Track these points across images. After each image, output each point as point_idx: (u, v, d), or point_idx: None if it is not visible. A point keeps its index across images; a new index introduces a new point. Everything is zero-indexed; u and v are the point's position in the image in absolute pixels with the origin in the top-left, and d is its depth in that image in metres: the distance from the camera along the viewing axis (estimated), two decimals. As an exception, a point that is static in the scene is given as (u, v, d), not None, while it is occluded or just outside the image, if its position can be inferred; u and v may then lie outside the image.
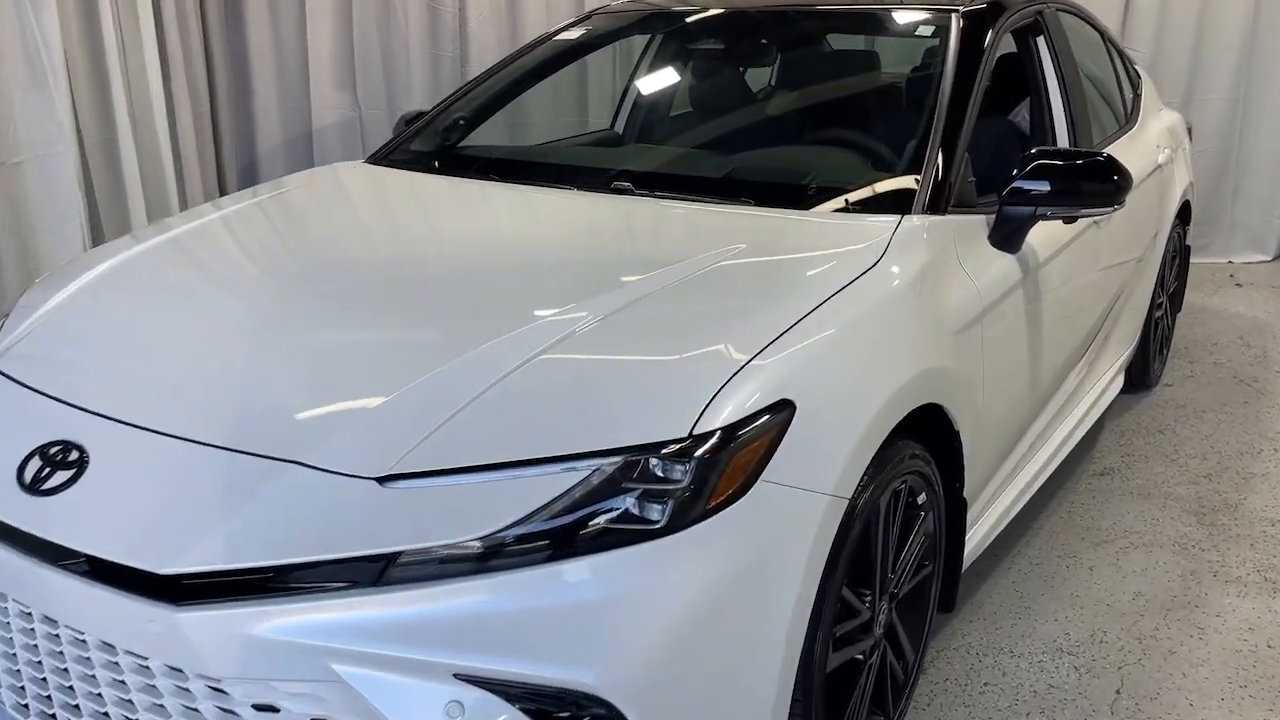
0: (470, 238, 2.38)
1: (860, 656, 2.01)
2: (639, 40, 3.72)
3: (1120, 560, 3.05)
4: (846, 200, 2.38)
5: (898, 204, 2.33)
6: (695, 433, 1.57)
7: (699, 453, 1.56)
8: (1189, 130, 4.62)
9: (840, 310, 1.90)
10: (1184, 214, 4.32)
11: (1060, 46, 3.24)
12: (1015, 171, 2.43)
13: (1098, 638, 2.68)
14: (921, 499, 2.17)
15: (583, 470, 1.52)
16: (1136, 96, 4.10)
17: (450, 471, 1.52)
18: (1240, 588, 2.91)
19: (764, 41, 3.37)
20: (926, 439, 2.13)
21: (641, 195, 2.47)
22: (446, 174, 2.77)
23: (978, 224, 2.45)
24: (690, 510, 1.54)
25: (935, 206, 2.34)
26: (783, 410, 1.66)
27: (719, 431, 1.58)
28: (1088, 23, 3.87)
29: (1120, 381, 3.81)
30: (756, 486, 1.60)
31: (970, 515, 2.41)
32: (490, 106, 3.26)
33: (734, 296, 1.95)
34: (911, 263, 2.13)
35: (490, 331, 1.81)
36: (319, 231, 2.50)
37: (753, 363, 1.69)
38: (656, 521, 1.52)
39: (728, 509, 1.57)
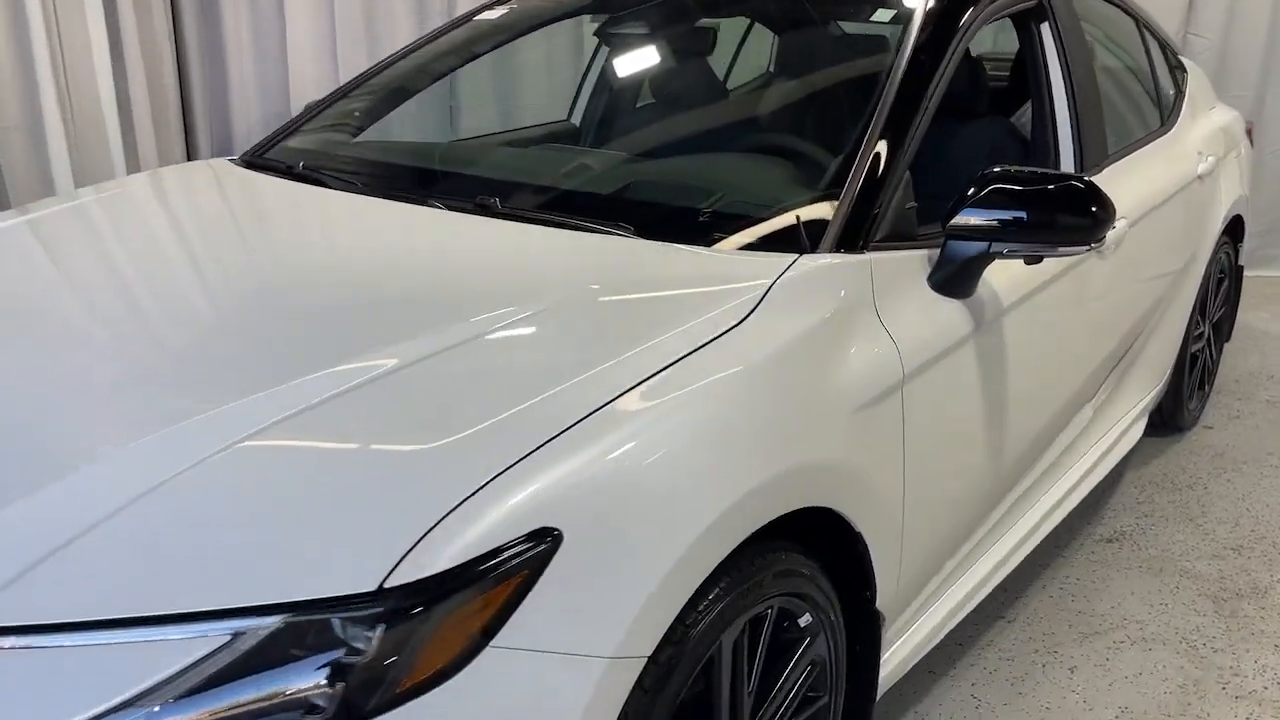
0: (279, 265, 1.94)
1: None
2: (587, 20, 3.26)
3: (1111, 660, 2.53)
4: (740, 232, 1.89)
5: (798, 238, 1.84)
6: (387, 585, 1.12)
7: (389, 610, 1.12)
8: (1249, 131, 4.00)
9: (666, 392, 1.43)
10: (1234, 230, 3.73)
11: (1069, 34, 2.70)
12: (963, 196, 1.93)
13: (1063, 770, 2.18)
14: (805, 620, 1.70)
15: (218, 635, 1.08)
16: (1179, 94, 3.51)
17: (30, 629, 1.10)
18: (1252, 707, 2.37)
19: (698, 26, 2.88)
20: (815, 542, 1.67)
21: (505, 216, 2.01)
22: (305, 180, 2.33)
23: (916, 262, 1.96)
24: (371, 696, 1.10)
25: (851, 241, 1.85)
26: (540, 542, 1.21)
27: (425, 581, 1.14)
28: (1118, 6, 3.30)
29: (1141, 427, 3.26)
30: (483, 656, 1.16)
31: (891, 630, 1.94)
32: (393, 97, 2.84)
33: (526, 370, 1.48)
34: (793, 322, 1.65)
35: (211, 398, 1.39)
36: (107, 246, 2.08)
37: (508, 473, 1.24)
38: (321, 710, 1.09)
39: (435, 691, 1.13)
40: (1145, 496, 3.31)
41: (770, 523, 1.52)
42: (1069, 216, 1.90)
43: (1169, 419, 3.62)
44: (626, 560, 1.29)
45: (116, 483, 1.22)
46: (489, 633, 1.16)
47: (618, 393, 1.39)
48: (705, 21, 3.11)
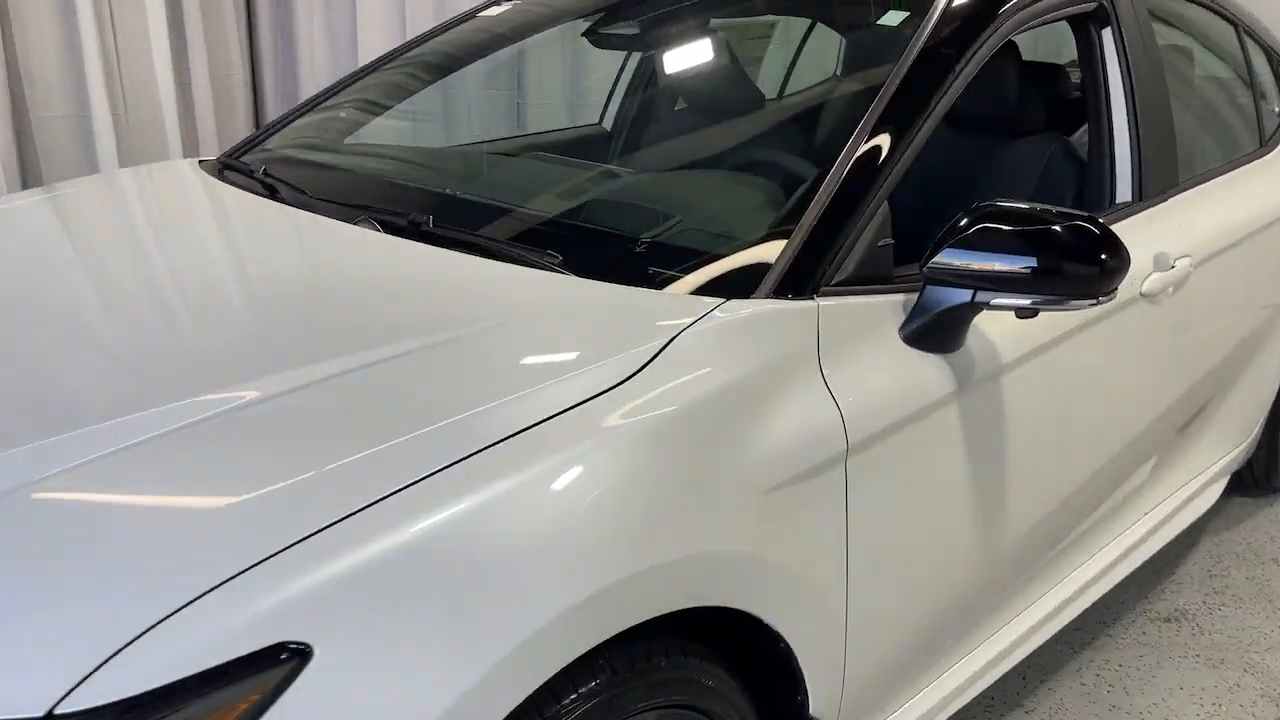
0: (172, 281, 1.76)
1: None
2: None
3: (1138, 771, 2.18)
4: (674, 269, 1.63)
5: (735, 279, 1.58)
6: (57, 712, 0.92)
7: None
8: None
9: (504, 464, 1.20)
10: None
11: (1135, 43, 2.34)
12: (946, 232, 1.63)
13: None
14: (704, 725, 1.44)
15: None
16: (1289, 109, 3.07)
17: None
18: None
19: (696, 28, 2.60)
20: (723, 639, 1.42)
21: (437, 239, 1.79)
22: (259, 188, 2.15)
23: (887, 310, 1.66)
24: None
25: (800, 284, 1.57)
26: (277, 665, 0.99)
27: (106, 709, 0.93)
28: (1214, 10, 2.88)
29: (1217, 491, 2.86)
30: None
31: None
32: (391, 95, 2.66)
33: (348, 426, 1.26)
34: (695, 380, 1.38)
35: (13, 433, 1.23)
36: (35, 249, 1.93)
37: (268, 564, 1.03)
38: None
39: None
40: (1219, 569, 2.91)
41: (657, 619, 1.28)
42: (1071, 264, 1.58)
43: (1260, 480, 3.18)
44: (406, 680, 1.06)
45: None
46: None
47: (445, 462, 1.16)
48: (737, 24, 2.85)
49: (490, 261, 1.68)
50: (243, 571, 1.02)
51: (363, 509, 1.10)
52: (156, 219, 2.11)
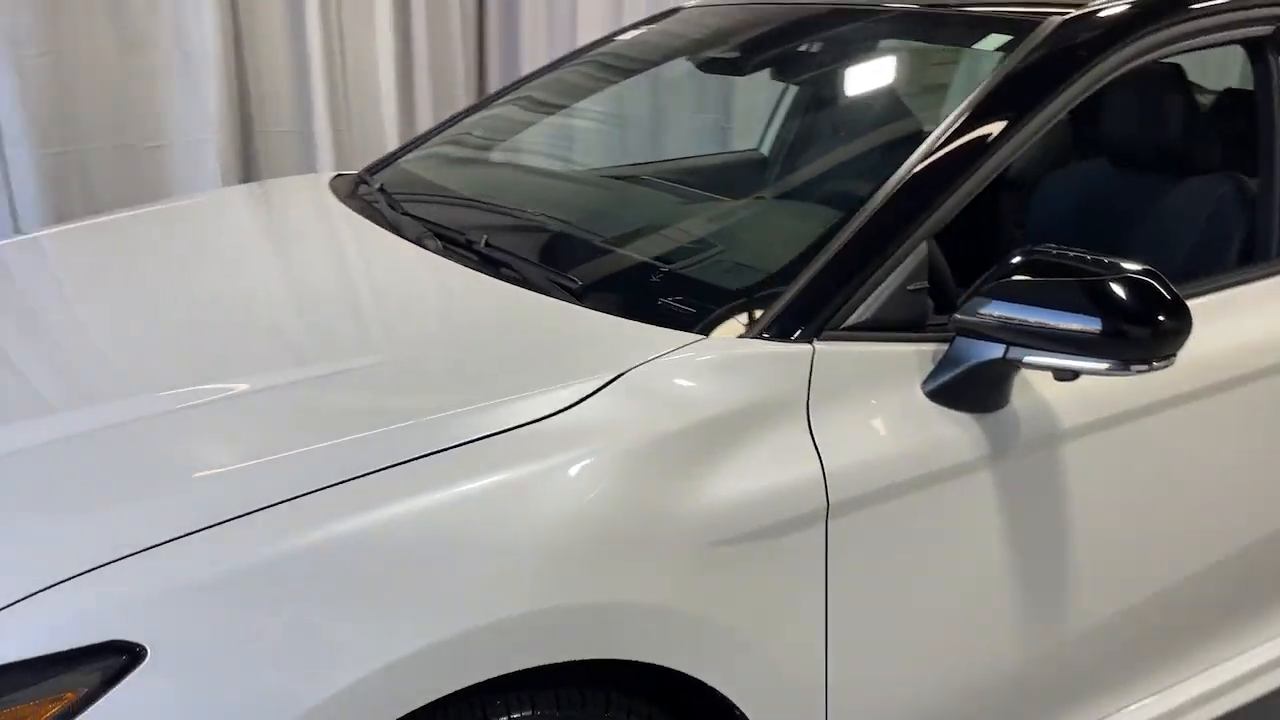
0: (244, 290, 1.85)
1: None
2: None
3: None
4: (672, 303, 1.55)
5: (727, 316, 1.49)
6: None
7: None
8: None
9: (400, 485, 1.18)
10: None
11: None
12: (982, 280, 1.47)
13: None
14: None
15: None
16: None
17: None
18: None
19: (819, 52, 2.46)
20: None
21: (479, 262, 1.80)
22: (357, 205, 2.23)
23: (911, 360, 1.51)
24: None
25: (799, 326, 1.45)
26: (110, 656, 1.03)
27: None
28: None
29: None
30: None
31: None
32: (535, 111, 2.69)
33: (264, 435, 1.27)
34: (648, 420, 1.31)
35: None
36: (115, 257, 2.09)
37: (126, 562, 1.07)
38: None
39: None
40: None
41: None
42: (1121, 323, 1.38)
43: None
44: (244, 692, 1.07)
45: None
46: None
47: (336, 479, 1.16)
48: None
49: (514, 288, 1.66)
50: (97, 568, 1.06)
51: (235, 518, 1.12)
52: (251, 231, 2.25)
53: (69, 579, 1.05)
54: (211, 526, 1.11)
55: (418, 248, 1.84)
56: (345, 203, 2.20)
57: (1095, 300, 1.39)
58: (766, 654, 1.39)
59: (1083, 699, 1.81)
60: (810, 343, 1.45)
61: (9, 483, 1.23)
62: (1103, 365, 1.41)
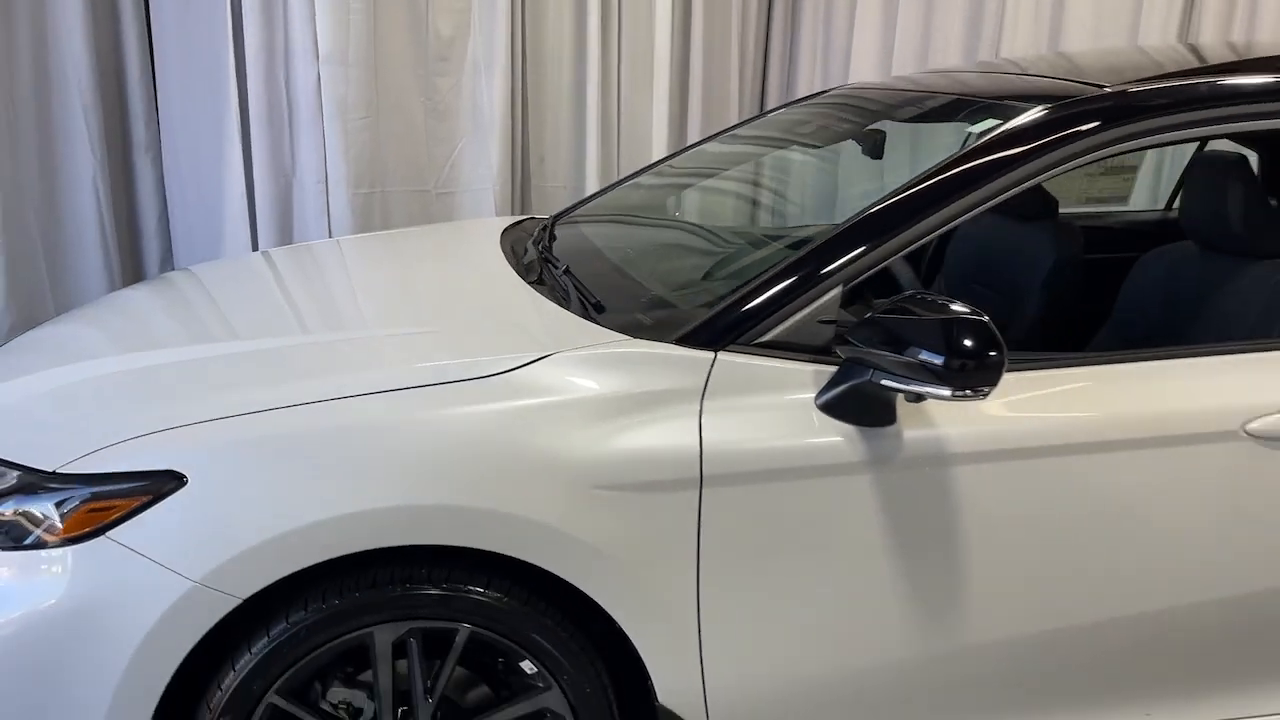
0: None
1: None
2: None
3: None
4: (626, 313, 2.05)
5: (660, 326, 1.94)
6: (60, 470, 1.70)
7: (54, 486, 1.70)
8: None
9: (387, 394, 1.78)
10: None
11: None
12: (865, 318, 1.81)
13: None
14: (530, 668, 1.83)
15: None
16: None
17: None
18: None
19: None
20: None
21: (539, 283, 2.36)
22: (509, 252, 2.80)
23: (808, 377, 1.87)
24: (28, 534, 1.69)
25: (709, 338, 1.87)
26: (167, 481, 1.68)
27: (80, 477, 1.69)
28: None
29: None
30: (100, 540, 1.67)
31: None
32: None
33: (304, 368, 1.94)
34: (563, 387, 1.81)
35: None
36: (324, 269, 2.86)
37: (203, 431, 1.73)
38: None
39: (66, 549, 1.67)
40: None
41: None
42: (956, 358, 1.67)
43: None
44: (241, 512, 1.68)
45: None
46: (109, 527, 1.67)
47: (326, 396, 1.78)
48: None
49: (543, 298, 2.20)
50: (180, 426, 1.73)
51: (280, 408, 1.76)
52: (429, 249, 2.94)
53: (160, 431, 1.73)
54: (263, 411, 1.75)
55: (516, 273, 2.41)
56: (500, 237, 2.83)
57: (940, 339, 1.69)
58: (638, 581, 1.81)
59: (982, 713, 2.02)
60: (714, 352, 1.86)
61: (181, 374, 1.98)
62: (944, 391, 1.70)
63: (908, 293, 1.79)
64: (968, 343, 1.66)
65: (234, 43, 4.14)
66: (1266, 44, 4.46)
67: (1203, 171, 2.51)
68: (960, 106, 2.41)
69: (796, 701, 1.94)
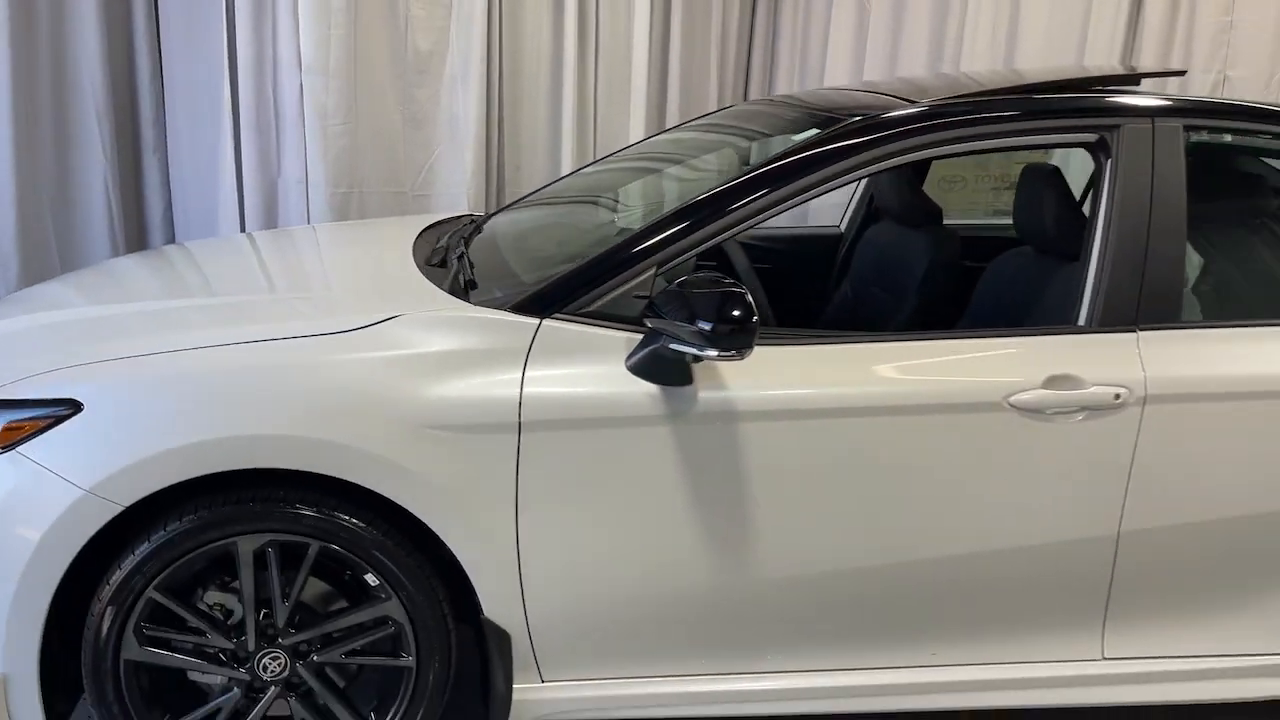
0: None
1: (225, 677, 2.18)
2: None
3: None
4: (478, 286, 2.41)
5: (500, 297, 2.28)
6: (-1, 396, 2.09)
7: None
8: None
9: (255, 343, 2.16)
10: None
11: (1130, 174, 2.38)
12: (660, 291, 2.13)
13: None
14: (373, 580, 2.17)
15: None
16: None
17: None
18: None
19: None
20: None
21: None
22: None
23: (620, 343, 2.19)
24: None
25: (536, 307, 2.21)
26: (65, 408, 2.04)
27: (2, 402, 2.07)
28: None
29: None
30: (12, 454, 2.03)
31: (550, 668, 2.28)
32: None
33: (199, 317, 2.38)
34: (403, 342, 2.16)
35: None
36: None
37: (98, 368, 2.10)
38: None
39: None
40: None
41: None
42: (721, 324, 1.99)
43: None
44: (125, 436, 2.03)
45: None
46: (22, 442, 2.03)
47: (219, 343, 2.14)
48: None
49: (419, 273, 2.54)
50: (86, 364, 2.10)
51: (166, 352, 2.12)
52: (352, 237, 3.32)
53: (64, 368, 2.09)
54: (149, 355, 2.11)
55: (412, 258, 2.74)
56: (426, 229, 3.17)
57: (711, 308, 2.00)
58: (465, 510, 2.13)
59: (783, 645, 2.32)
60: (539, 318, 2.19)
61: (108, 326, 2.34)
62: (712, 352, 2.01)
63: (698, 273, 2.10)
64: (735, 312, 1.98)
65: (228, 55, 4.56)
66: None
67: (1025, 182, 2.79)
68: (810, 120, 2.71)
69: (604, 619, 2.25)
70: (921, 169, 3.57)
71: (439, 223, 3.32)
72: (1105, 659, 2.43)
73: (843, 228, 3.87)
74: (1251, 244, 2.80)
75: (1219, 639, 2.46)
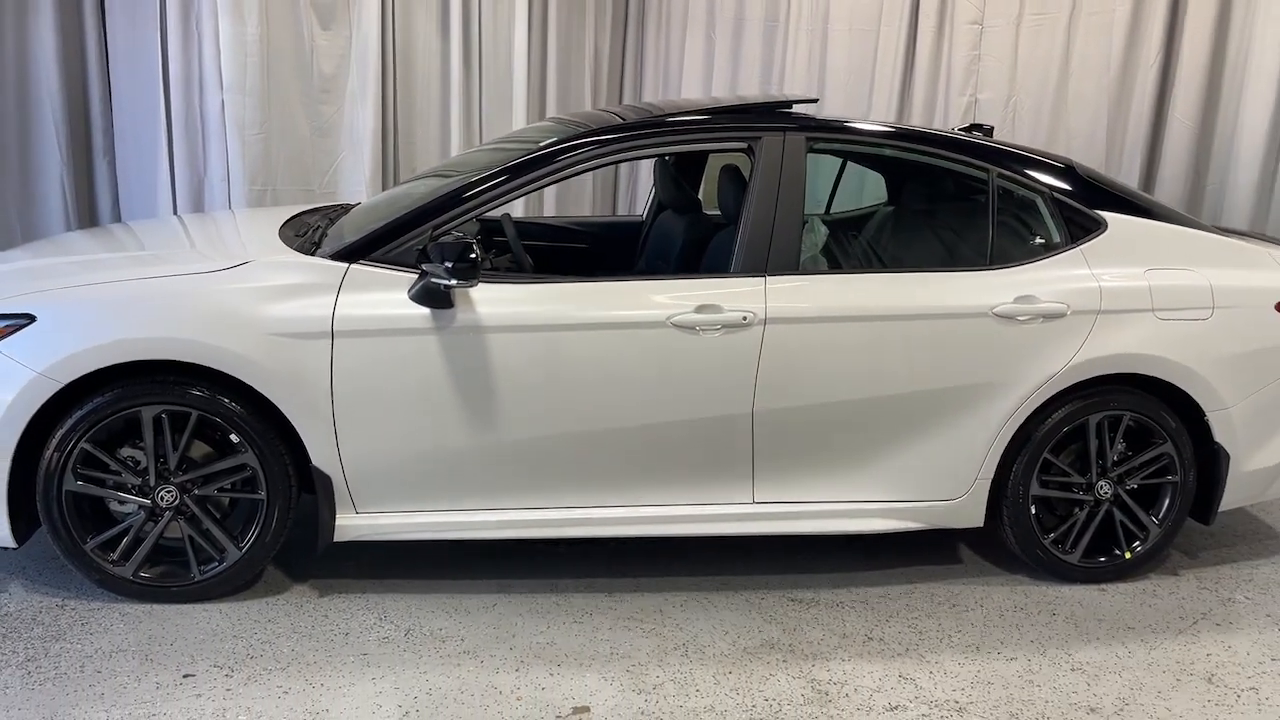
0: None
1: (135, 505, 3.23)
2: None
3: (601, 630, 3.29)
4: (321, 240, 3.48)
5: (327, 247, 3.37)
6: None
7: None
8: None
9: (154, 279, 3.21)
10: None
11: (767, 170, 3.47)
12: (430, 241, 3.21)
13: None
14: (235, 438, 3.22)
15: None
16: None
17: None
18: None
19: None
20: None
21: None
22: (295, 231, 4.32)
23: (405, 281, 3.24)
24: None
25: (347, 255, 3.28)
26: (24, 319, 3.08)
27: (-24, 312, 3.13)
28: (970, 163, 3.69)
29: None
30: (-5, 348, 3.08)
31: (364, 504, 3.34)
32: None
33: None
34: (244, 276, 3.22)
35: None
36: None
37: (48, 294, 3.15)
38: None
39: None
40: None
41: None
42: (455, 262, 3.07)
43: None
44: (65, 337, 3.07)
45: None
46: (-3, 341, 3.08)
47: (138, 278, 3.19)
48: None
49: (281, 242, 3.60)
50: (56, 290, 3.16)
51: (96, 284, 3.17)
52: (245, 219, 4.39)
53: (25, 294, 3.14)
54: (85, 285, 3.17)
55: (276, 230, 3.80)
56: (297, 212, 4.23)
57: (453, 253, 3.08)
58: (296, 392, 3.18)
59: (524, 489, 3.39)
60: (348, 263, 3.25)
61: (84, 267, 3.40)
62: (452, 281, 3.09)
63: (451, 235, 3.18)
64: (465, 255, 3.05)
65: (163, 74, 5.62)
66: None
67: (720, 176, 3.89)
68: (564, 132, 3.77)
69: (397, 468, 3.30)
70: (695, 170, 4.65)
71: (322, 208, 4.38)
72: (756, 503, 3.51)
73: (644, 216, 4.96)
74: (861, 217, 3.93)
75: (842, 488, 3.54)
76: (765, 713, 2.90)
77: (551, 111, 6.66)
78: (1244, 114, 5.69)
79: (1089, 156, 5.88)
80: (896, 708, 2.95)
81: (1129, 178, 5.89)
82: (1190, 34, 5.72)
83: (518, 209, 5.57)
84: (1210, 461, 3.72)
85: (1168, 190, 5.83)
